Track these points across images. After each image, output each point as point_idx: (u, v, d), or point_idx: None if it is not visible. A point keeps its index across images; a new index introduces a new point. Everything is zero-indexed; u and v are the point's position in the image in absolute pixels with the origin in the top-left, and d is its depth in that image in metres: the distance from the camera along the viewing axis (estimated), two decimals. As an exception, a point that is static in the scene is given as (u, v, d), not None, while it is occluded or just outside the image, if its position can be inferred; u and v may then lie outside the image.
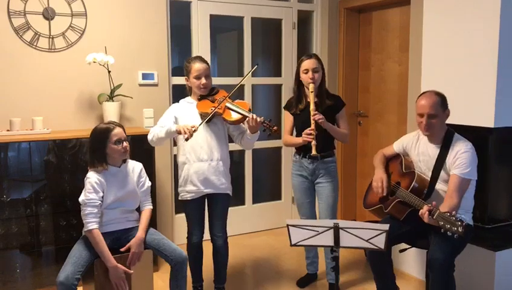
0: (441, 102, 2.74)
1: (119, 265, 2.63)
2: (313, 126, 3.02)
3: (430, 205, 2.46)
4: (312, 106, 3.06)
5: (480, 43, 3.03)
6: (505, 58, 2.95)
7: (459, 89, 3.13)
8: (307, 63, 3.17)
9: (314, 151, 2.98)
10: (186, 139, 2.79)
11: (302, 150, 3.26)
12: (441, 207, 2.52)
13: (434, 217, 2.40)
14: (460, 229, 2.26)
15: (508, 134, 3.24)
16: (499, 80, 2.95)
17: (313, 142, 3.00)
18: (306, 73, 3.15)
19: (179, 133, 2.86)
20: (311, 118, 3.03)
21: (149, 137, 2.99)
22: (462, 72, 3.15)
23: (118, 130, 2.71)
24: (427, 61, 3.43)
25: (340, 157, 4.70)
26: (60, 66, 3.62)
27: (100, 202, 2.68)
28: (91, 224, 2.62)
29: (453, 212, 2.35)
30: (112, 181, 2.74)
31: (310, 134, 3.02)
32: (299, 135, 3.22)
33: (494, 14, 2.92)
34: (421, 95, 2.82)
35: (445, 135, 2.78)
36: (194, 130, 2.80)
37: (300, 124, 3.23)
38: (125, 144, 2.72)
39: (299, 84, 3.25)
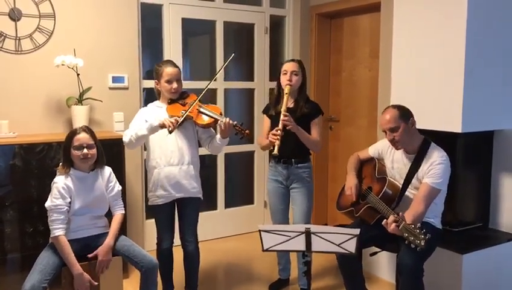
0: (399, 115, 2.74)
1: (85, 273, 2.58)
2: (280, 126, 2.98)
3: (396, 216, 2.49)
4: (284, 108, 3.03)
5: (448, 50, 3.09)
6: (471, 65, 3.02)
7: (427, 95, 3.20)
8: (287, 65, 3.17)
9: (275, 151, 2.94)
10: (171, 132, 2.77)
11: (277, 155, 3.23)
12: (406, 213, 2.56)
13: (399, 228, 2.43)
14: (422, 243, 2.30)
15: (475, 139, 3.33)
16: (466, 86, 3.01)
17: (276, 142, 2.95)
18: (285, 74, 3.15)
19: (162, 127, 2.82)
20: (280, 119, 3.00)
21: (125, 139, 2.93)
22: (431, 78, 3.22)
23: (81, 136, 2.65)
24: (397, 67, 3.49)
25: (311, 161, 4.73)
26: (27, 69, 3.53)
27: (67, 207, 2.62)
28: (57, 230, 2.56)
29: (418, 225, 2.39)
30: (80, 187, 2.68)
31: (274, 134, 2.98)
32: None
33: (461, 22, 2.99)
34: (383, 112, 2.84)
35: (421, 145, 2.81)
36: (177, 123, 2.78)
37: (274, 127, 3.14)
38: (85, 151, 2.64)
39: (279, 87, 3.24)
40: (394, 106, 2.81)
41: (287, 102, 3.07)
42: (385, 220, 2.50)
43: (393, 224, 2.44)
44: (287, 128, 3.00)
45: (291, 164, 3.22)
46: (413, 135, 2.81)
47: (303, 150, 3.23)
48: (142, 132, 2.86)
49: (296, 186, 3.26)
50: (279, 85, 3.24)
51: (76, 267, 2.56)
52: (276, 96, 3.27)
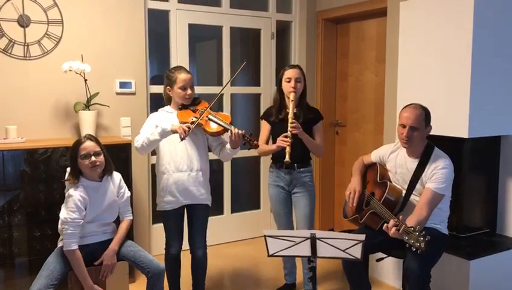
0: (425, 116, 2.75)
1: (96, 286, 2.60)
2: (289, 133, 2.99)
3: (396, 220, 2.47)
4: (291, 114, 3.04)
5: (454, 55, 3.09)
6: (478, 70, 3.01)
7: (433, 100, 3.18)
8: (290, 72, 3.16)
9: (287, 158, 2.93)
10: (182, 139, 2.77)
11: (278, 160, 3.23)
12: (408, 219, 2.55)
13: (399, 232, 2.42)
14: (422, 245, 2.29)
15: (481, 144, 3.31)
16: (472, 91, 3.00)
17: (287, 149, 2.95)
18: (288, 82, 3.14)
19: (175, 132, 2.82)
20: (289, 125, 3.00)
21: (137, 144, 2.92)
22: (437, 83, 3.21)
23: (86, 144, 2.65)
24: (403, 72, 3.48)
25: (318, 166, 4.73)
26: (35, 74, 3.56)
27: (82, 220, 2.63)
28: (73, 245, 2.57)
29: (418, 227, 2.37)
30: (94, 196, 2.69)
31: (284, 140, 2.98)
32: (274, 144, 3.19)
33: (467, 27, 2.98)
34: (406, 106, 2.82)
35: (424, 149, 2.80)
36: (189, 130, 2.78)
37: (277, 133, 3.15)
38: (93, 158, 2.63)
39: (280, 94, 3.24)
40: (420, 106, 2.78)
41: (293, 108, 3.08)
42: (386, 224, 2.50)
43: (394, 228, 2.43)
44: (294, 132, 3.00)
45: (293, 168, 3.22)
46: (423, 139, 2.80)
47: (304, 154, 3.25)
48: (154, 136, 2.86)
49: (299, 191, 3.26)
50: (280, 91, 3.24)
51: (88, 281, 2.58)
52: (278, 103, 3.26)
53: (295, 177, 3.25)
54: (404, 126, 2.74)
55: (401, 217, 2.50)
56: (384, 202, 2.76)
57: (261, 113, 4.69)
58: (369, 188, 2.99)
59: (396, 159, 2.94)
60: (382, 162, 3.06)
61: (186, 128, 2.77)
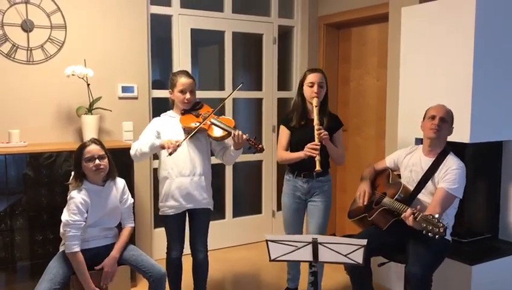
0: (451, 114, 2.84)
1: (97, 289, 2.60)
2: (317, 141, 2.91)
3: (414, 209, 2.50)
4: (316, 121, 2.95)
5: (456, 60, 3.09)
6: (479, 75, 3.02)
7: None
8: (313, 77, 3.06)
9: (318, 167, 2.85)
10: (170, 154, 2.77)
11: (296, 168, 3.14)
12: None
13: (417, 220, 2.43)
14: (441, 230, 2.33)
15: (483, 149, 3.31)
16: (474, 96, 3.01)
17: (317, 157, 2.87)
18: (311, 86, 3.05)
19: (163, 148, 2.83)
20: (316, 133, 2.91)
21: (132, 152, 2.96)
22: (439, 89, 3.21)
23: (91, 147, 2.65)
24: (404, 77, 3.49)
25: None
26: (38, 79, 3.58)
27: (84, 223, 2.63)
28: (75, 246, 2.57)
29: (436, 215, 2.40)
30: (96, 200, 2.69)
31: (314, 149, 2.90)
32: (294, 150, 3.12)
33: (469, 32, 2.99)
34: (432, 106, 2.88)
35: (442, 151, 2.84)
36: (178, 145, 2.78)
37: (298, 139, 3.09)
38: (97, 161, 2.64)
39: (301, 98, 3.15)
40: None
41: (318, 115, 2.98)
42: (403, 214, 2.51)
43: (411, 216, 2.46)
44: (323, 140, 2.93)
45: (312, 177, 3.14)
46: (445, 139, 2.85)
47: (324, 163, 3.13)
48: (144, 148, 2.88)
49: (316, 200, 3.18)
50: (301, 95, 3.14)
51: (90, 284, 2.58)
52: (301, 108, 3.15)
53: (313, 186, 3.15)
54: (433, 117, 2.80)
55: (418, 207, 2.52)
56: (397, 200, 2.77)
57: (263, 118, 4.73)
58: (380, 190, 2.99)
59: (411, 159, 2.97)
60: (396, 166, 3.08)
61: (175, 143, 2.77)
